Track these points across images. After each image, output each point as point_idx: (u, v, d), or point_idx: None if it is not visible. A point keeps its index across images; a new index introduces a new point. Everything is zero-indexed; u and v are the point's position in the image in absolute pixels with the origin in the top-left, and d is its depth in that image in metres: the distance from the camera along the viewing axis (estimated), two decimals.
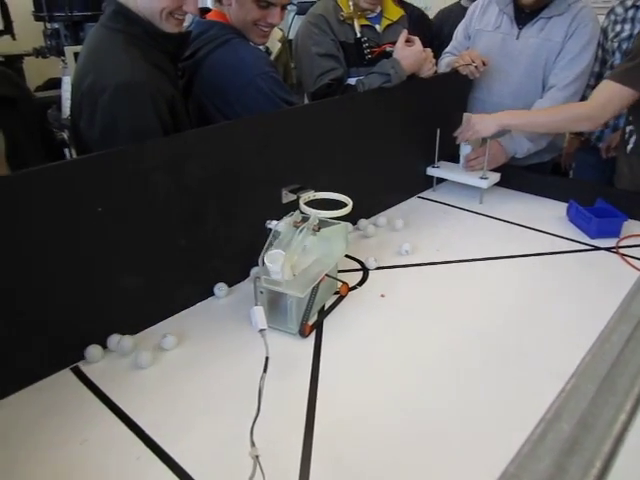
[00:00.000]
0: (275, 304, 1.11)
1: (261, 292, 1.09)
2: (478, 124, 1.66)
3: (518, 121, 1.67)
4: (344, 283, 1.26)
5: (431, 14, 2.87)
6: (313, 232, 1.11)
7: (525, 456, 0.29)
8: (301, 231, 1.09)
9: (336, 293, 1.25)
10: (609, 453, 0.30)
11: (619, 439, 0.30)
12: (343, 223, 1.19)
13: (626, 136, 1.68)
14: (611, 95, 1.49)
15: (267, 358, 0.92)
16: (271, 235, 1.10)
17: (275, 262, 1.03)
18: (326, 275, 1.17)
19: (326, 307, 1.20)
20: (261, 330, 0.98)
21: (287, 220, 1.12)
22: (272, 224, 1.11)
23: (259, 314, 1.00)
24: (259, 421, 0.80)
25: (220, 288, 1.24)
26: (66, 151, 2.25)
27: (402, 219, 1.60)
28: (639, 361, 0.36)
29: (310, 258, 1.13)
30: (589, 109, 1.54)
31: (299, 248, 1.08)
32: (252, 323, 1.00)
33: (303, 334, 1.09)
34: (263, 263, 1.06)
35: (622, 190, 1.70)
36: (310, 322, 1.12)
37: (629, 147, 1.66)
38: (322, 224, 1.14)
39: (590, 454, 0.29)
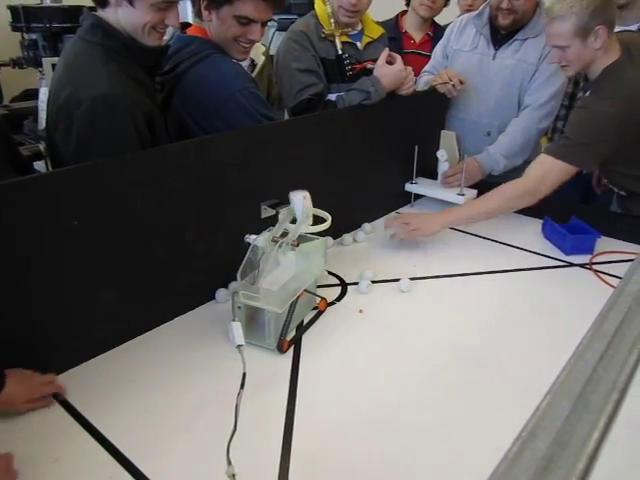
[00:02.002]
0: (253, 319, 1.10)
1: (239, 307, 1.08)
2: (419, 224, 1.55)
3: (460, 217, 1.60)
4: (322, 298, 1.25)
5: None
6: (292, 247, 1.10)
7: (501, 475, 0.29)
8: (280, 246, 1.08)
9: (315, 308, 1.24)
10: (584, 470, 0.30)
11: (593, 457, 0.31)
12: (322, 238, 1.19)
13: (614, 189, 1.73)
14: (546, 169, 1.50)
15: (244, 374, 0.91)
16: (250, 250, 1.09)
17: (252, 279, 1.04)
18: (305, 290, 1.16)
19: (305, 322, 1.20)
20: (239, 346, 0.96)
21: (266, 235, 1.11)
22: (251, 239, 1.10)
23: (237, 330, 0.99)
24: (236, 438, 0.79)
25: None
26: (41, 163, 2.22)
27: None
28: (612, 378, 0.36)
29: (289, 273, 1.12)
30: (526, 184, 1.52)
31: (277, 263, 1.08)
32: (230, 338, 0.99)
33: (281, 350, 1.08)
34: (241, 278, 1.04)
35: (595, 208, 1.74)
36: (288, 338, 1.11)
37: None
38: (301, 239, 1.13)
39: (565, 472, 0.30)
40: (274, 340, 1.09)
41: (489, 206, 1.56)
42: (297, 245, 1.10)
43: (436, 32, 2.37)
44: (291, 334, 1.14)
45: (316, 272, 1.21)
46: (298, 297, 1.13)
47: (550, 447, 0.31)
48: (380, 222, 1.75)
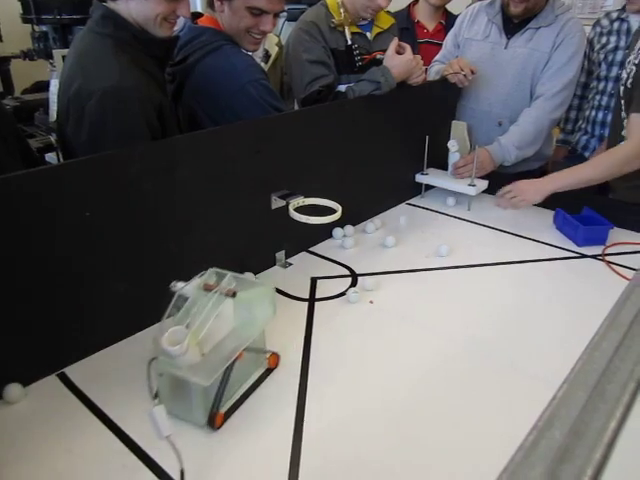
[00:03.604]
0: (178, 389, 0.87)
1: (160, 375, 0.86)
2: (523, 193, 1.61)
3: (565, 184, 1.58)
4: (273, 354, 1.03)
5: None
6: (229, 296, 0.90)
7: (518, 464, 0.29)
8: (213, 296, 0.88)
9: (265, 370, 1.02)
10: (600, 460, 0.30)
11: (610, 446, 0.31)
12: (268, 285, 1.00)
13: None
14: None
15: (182, 472, 0.76)
16: (174, 300, 0.88)
17: (176, 343, 0.81)
18: (245, 350, 0.92)
19: (250, 385, 0.98)
20: (167, 437, 0.76)
21: (196, 282, 0.91)
22: (177, 287, 0.90)
23: (160, 417, 0.76)
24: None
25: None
26: (53, 155, 2.24)
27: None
28: (629, 368, 0.36)
29: (224, 329, 0.93)
30: (633, 148, 1.48)
31: (210, 319, 0.85)
32: (153, 429, 0.77)
33: (213, 426, 0.87)
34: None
35: (608, 198, 1.73)
36: (223, 409, 0.90)
37: None
38: (241, 285, 0.92)
39: (581, 461, 0.30)
40: (203, 415, 0.88)
41: (592, 173, 1.54)
42: (234, 295, 0.89)
43: (448, 20, 2.35)
44: (228, 404, 0.92)
45: (261, 325, 0.99)
46: (235, 360, 0.90)
47: (567, 437, 0.31)
48: (390, 213, 1.75)
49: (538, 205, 1.76)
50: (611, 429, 0.32)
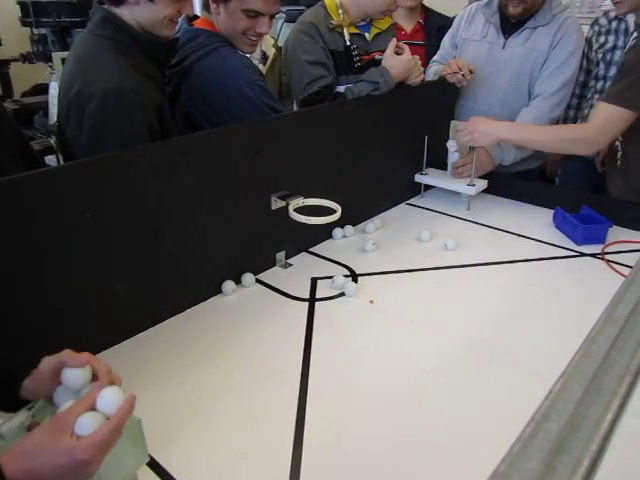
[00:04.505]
0: None
1: None
2: (479, 132, 1.65)
3: (516, 137, 1.66)
4: None
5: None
6: None
7: (515, 455, 0.29)
8: None
9: None
10: (597, 452, 0.30)
11: (606, 438, 0.31)
12: (134, 416, 0.65)
13: (617, 150, 1.69)
14: (607, 117, 1.46)
15: None
16: None
17: None
18: None
19: None
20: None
21: (18, 419, 0.63)
22: None
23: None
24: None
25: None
26: (53, 157, 2.24)
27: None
28: (625, 362, 0.37)
29: None
30: (587, 132, 1.50)
31: None
32: None
33: None
34: None
35: (607, 197, 1.73)
36: None
37: (618, 162, 1.68)
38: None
39: (578, 453, 0.30)
40: None
41: (551, 139, 1.58)
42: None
43: (428, 18, 2.34)
44: None
45: (126, 473, 0.67)
46: None
47: (563, 429, 0.31)
48: (389, 214, 1.75)
49: (537, 204, 1.77)
50: (608, 421, 0.32)
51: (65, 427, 0.56)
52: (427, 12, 2.39)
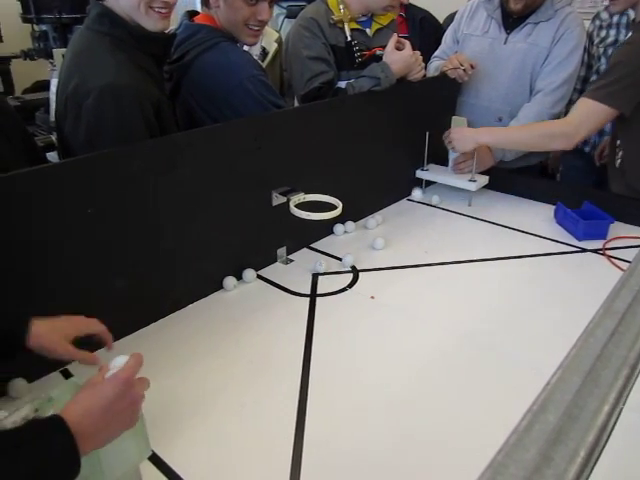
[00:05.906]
0: None
1: None
2: (456, 140, 1.69)
3: (495, 139, 1.70)
4: None
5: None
6: None
7: (512, 446, 0.30)
8: None
9: None
10: (593, 443, 0.30)
11: (603, 429, 0.31)
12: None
13: (617, 150, 1.69)
14: (587, 113, 1.47)
15: None
16: None
17: None
18: None
19: None
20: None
21: (22, 412, 0.65)
22: None
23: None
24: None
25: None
26: (54, 154, 2.24)
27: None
28: (623, 354, 0.37)
29: None
30: (565, 126, 1.52)
31: None
32: None
33: None
34: None
35: (608, 193, 1.73)
36: None
37: (617, 161, 1.67)
38: None
39: (575, 444, 0.30)
40: None
41: (528, 136, 1.59)
42: None
43: (408, 12, 2.35)
44: None
45: (129, 466, 0.69)
46: None
47: (560, 420, 0.31)
48: (390, 209, 1.75)
49: (538, 200, 1.76)
50: (605, 412, 0.32)
51: (98, 378, 0.66)
52: (407, 6, 2.40)
